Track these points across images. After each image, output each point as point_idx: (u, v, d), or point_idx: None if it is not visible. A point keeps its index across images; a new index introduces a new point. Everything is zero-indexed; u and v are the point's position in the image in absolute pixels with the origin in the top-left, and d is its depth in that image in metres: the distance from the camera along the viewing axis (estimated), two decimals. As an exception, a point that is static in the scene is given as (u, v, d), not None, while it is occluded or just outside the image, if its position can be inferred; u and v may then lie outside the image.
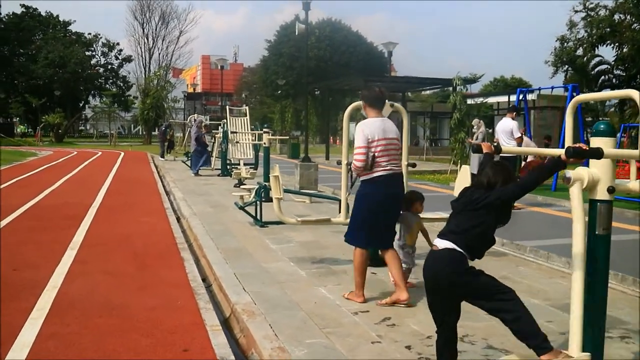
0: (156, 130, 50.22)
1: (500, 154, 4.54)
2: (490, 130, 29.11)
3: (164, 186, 16.89)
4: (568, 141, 4.20)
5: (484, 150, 4.25)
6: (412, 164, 7.46)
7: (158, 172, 21.86)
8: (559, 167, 3.49)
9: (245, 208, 10.23)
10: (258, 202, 10.15)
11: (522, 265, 7.50)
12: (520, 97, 19.15)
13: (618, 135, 16.63)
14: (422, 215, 7.76)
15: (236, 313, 5.40)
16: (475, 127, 17.70)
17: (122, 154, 35.67)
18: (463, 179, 7.22)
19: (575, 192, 3.50)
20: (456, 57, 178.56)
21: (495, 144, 4.63)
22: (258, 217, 10.03)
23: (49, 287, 5.98)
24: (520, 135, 12.91)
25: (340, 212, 9.63)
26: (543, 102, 35.16)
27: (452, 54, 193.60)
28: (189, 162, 22.93)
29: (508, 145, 12.59)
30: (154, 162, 27.80)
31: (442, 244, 3.64)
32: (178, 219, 11.13)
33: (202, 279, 6.80)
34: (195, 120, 22.46)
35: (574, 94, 17.20)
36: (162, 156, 29.86)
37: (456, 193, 7.25)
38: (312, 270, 6.91)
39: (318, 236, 8.99)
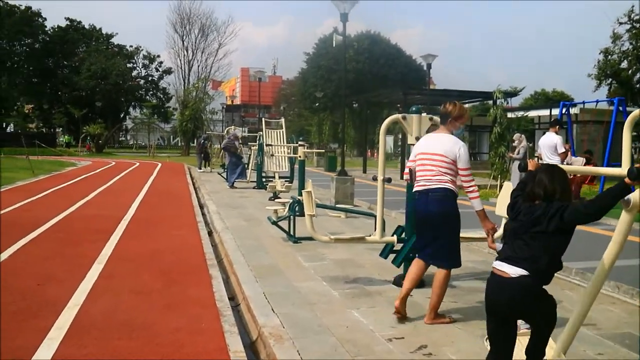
0: (194, 141, 50.50)
1: None
2: (532, 145, 28.48)
3: (198, 198, 16.74)
4: (626, 159, 3.82)
5: (530, 168, 3.90)
6: (388, 178, 7.15)
7: (194, 184, 21.78)
8: (625, 192, 3.15)
9: (279, 223, 9.95)
10: (292, 217, 9.87)
11: (568, 289, 7.06)
12: (564, 110, 18.62)
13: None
14: (462, 234, 7.41)
15: (263, 337, 5.11)
16: (516, 141, 17.22)
17: (160, 165, 35.84)
18: (506, 195, 6.84)
19: (627, 218, 3.20)
20: (496, 70, 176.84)
21: (539, 160, 4.30)
22: (291, 232, 9.75)
23: (70, 305, 5.75)
24: (564, 150, 12.41)
25: (375, 229, 9.37)
26: (586, 117, 34.26)
27: (492, 66, 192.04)
28: (224, 174, 22.85)
29: (551, 161, 12.10)
30: (190, 173, 27.78)
31: (513, 270, 3.39)
32: (210, 233, 10.91)
33: (230, 298, 6.53)
34: (231, 132, 22.37)
35: (620, 108, 16.64)
36: (200, 168, 29.90)
37: (498, 210, 6.90)
38: (345, 291, 6.59)
39: (353, 254, 8.66)
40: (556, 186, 3.41)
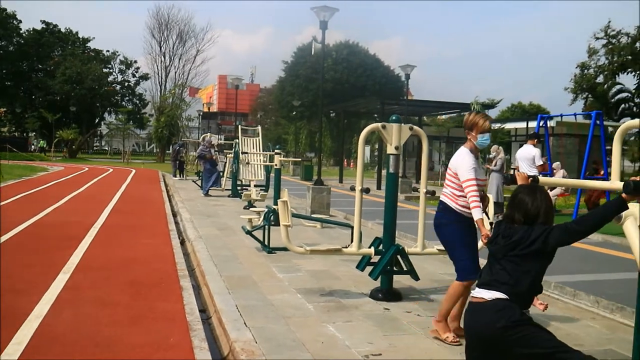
0: (170, 148, 49.86)
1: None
2: (508, 157, 28.55)
3: (171, 206, 16.43)
4: (615, 172, 3.68)
5: (519, 182, 3.73)
6: (366, 189, 6.94)
7: (167, 191, 21.43)
8: (622, 207, 2.98)
9: (253, 233, 9.73)
10: (266, 226, 9.65)
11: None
12: (541, 123, 18.61)
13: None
14: (438, 247, 7.25)
15: (234, 352, 4.88)
16: (493, 153, 17.16)
17: (134, 171, 35.36)
18: (489, 208, 6.71)
19: (630, 228, 3.04)
20: (473, 83, 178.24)
21: (530, 174, 4.12)
22: (266, 242, 9.52)
23: (32, 317, 5.46)
24: (542, 163, 12.36)
25: (352, 241, 9.19)
26: (562, 130, 34.53)
27: (469, 79, 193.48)
28: (199, 182, 22.54)
29: (529, 174, 12.03)
30: (164, 180, 27.40)
31: (488, 294, 3.17)
32: (182, 242, 10.65)
33: (202, 310, 6.29)
34: (206, 139, 22.07)
35: (597, 122, 16.64)
36: (175, 175, 29.51)
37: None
38: (320, 304, 6.38)
39: (329, 265, 8.47)
40: (539, 209, 3.24)
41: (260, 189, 16.68)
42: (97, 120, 79.73)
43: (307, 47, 63.04)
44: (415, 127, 6.89)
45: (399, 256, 6.76)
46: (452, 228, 5.31)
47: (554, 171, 17.56)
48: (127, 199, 17.52)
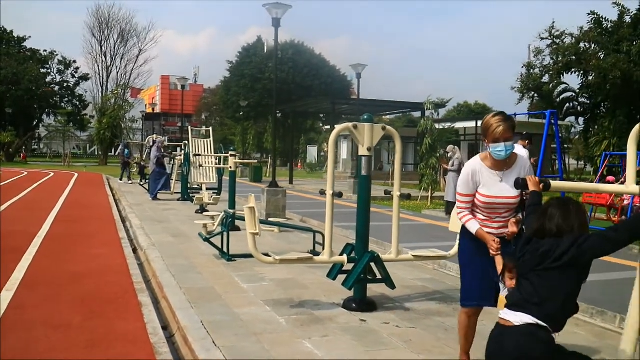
0: (112, 151, 48.50)
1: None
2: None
3: (119, 212, 15.69)
4: (630, 176, 3.36)
5: (531, 188, 3.35)
6: (338, 193, 6.52)
7: (114, 196, 20.60)
8: None
9: (211, 239, 9.20)
10: (225, 232, 9.13)
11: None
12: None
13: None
14: (413, 253, 6.90)
15: (206, 377, 4.40)
16: (450, 152, 17.02)
17: (76, 175, 34.15)
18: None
19: None
20: (418, 82, 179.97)
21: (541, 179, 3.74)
22: (225, 249, 9.00)
23: (-28, 344, 4.87)
24: (531, 164, 12.08)
25: (324, 249, 8.76)
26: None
27: (414, 78, 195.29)
28: (146, 185, 21.76)
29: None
30: (109, 184, 26.46)
31: (517, 318, 2.79)
32: (134, 250, 10.03)
33: (163, 327, 5.77)
34: (154, 140, 21.27)
35: (552, 121, 16.66)
36: (121, 179, 28.28)
37: (452, 227, 6.39)
38: (292, 317, 5.94)
39: (294, 273, 8.01)
40: (573, 225, 2.86)
41: (213, 192, 16.10)
42: (35, 123, 77.00)
43: (252, 47, 62.39)
44: (388, 127, 6.51)
45: (372, 264, 6.38)
46: (461, 245, 4.79)
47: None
48: (71, 205, 16.68)
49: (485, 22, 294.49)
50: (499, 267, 4.33)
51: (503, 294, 4.24)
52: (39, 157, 74.25)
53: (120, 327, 5.47)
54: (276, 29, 14.61)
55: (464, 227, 4.61)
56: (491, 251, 4.38)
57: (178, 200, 18.34)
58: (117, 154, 32.81)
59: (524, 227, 3.79)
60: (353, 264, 6.33)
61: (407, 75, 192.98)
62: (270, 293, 6.93)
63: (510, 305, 2.92)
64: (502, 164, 4.37)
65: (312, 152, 60.80)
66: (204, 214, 13.34)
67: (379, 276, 6.50)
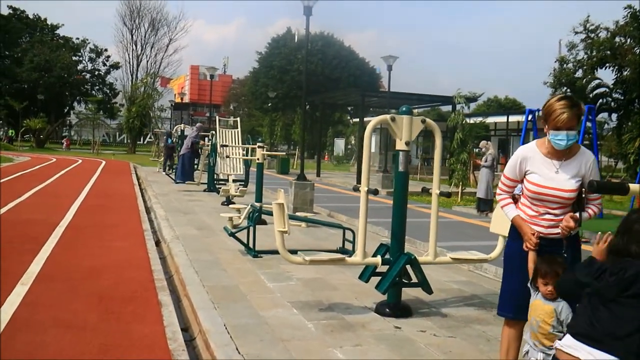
0: (141, 139, 48.12)
1: None
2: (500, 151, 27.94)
3: (144, 201, 15.43)
4: None
5: (593, 253, 2.91)
6: (374, 190, 6.07)
7: (140, 185, 20.39)
8: None
9: (236, 234, 8.83)
10: (251, 227, 8.74)
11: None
12: (529, 117, 17.97)
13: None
14: (452, 255, 6.45)
15: (228, 390, 4.01)
16: (483, 148, 16.48)
17: (104, 163, 34.13)
18: (503, 214, 5.91)
19: None
20: (444, 76, 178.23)
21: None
22: (250, 245, 8.62)
23: (-21, 344, 4.53)
24: None
25: (353, 247, 8.36)
26: (541, 124, 34.09)
27: (440, 72, 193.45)
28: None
29: None
30: (136, 173, 26.30)
31: (591, 355, 2.33)
32: (157, 243, 9.71)
33: (183, 329, 5.40)
34: (197, 125, 21.02)
35: (590, 116, 16.06)
36: (164, 169, 25.70)
37: (493, 227, 5.92)
38: (321, 322, 5.53)
39: (322, 272, 7.59)
40: None
41: (239, 184, 15.75)
42: (66, 110, 77.54)
43: (281, 38, 62.02)
44: (428, 120, 6.05)
45: (408, 266, 5.95)
46: (509, 247, 4.25)
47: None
48: (96, 194, 16.46)
49: (515, 16, 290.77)
50: (531, 266, 3.90)
51: (534, 299, 3.82)
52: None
53: (137, 330, 5.10)
54: (307, 17, 14.24)
55: (513, 228, 4.13)
56: (527, 244, 3.92)
57: (204, 191, 18.05)
58: (161, 144, 31.75)
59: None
60: (387, 266, 5.91)
61: (433, 69, 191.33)
62: (297, 294, 6.53)
63: (579, 335, 2.44)
64: (561, 153, 3.89)
65: (340, 144, 60.36)
66: (230, 206, 13.00)
67: (414, 279, 6.08)
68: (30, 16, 77.15)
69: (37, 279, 6.66)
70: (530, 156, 3.99)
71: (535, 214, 3.98)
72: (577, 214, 3.88)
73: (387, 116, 5.82)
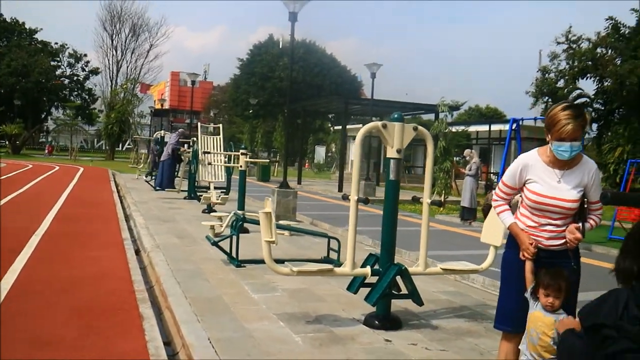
0: (120, 145, 47.18)
1: None
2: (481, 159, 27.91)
3: (123, 209, 15.12)
4: None
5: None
6: (364, 199, 5.91)
7: (118, 192, 20.05)
8: None
9: (219, 243, 8.60)
10: (234, 236, 8.52)
11: None
12: (513, 126, 17.93)
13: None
14: (442, 265, 6.29)
15: (214, 410, 3.80)
16: (467, 157, 16.40)
17: (82, 169, 33.65)
18: (493, 219, 5.79)
19: None
20: (426, 85, 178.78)
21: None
22: (233, 254, 8.40)
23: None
24: None
25: (338, 256, 8.19)
26: (524, 133, 34.21)
27: (423, 80, 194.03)
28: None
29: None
30: (115, 180, 25.92)
31: None
32: (137, 252, 9.45)
33: (166, 342, 5.18)
34: (179, 130, 20.70)
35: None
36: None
37: (484, 238, 5.80)
38: (309, 335, 5.33)
39: (308, 282, 7.39)
40: None
41: (221, 192, 15.51)
42: (43, 115, 76.58)
43: (263, 45, 61.86)
44: (420, 128, 5.91)
45: (398, 277, 5.78)
46: (506, 257, 4.08)
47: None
48: (74, 201, 16.12)
49: (495, 26, 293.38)
50: (527, 275, 3.77)
51: (534, 310, 3.68)
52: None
53: (118, 346, 4.85)
54: (293, 23, 14.05)
55: (510, 236, 3.99)
56: (524, 254, 3.78)
57: (184, 198, 17.76)
58: (140, 151, 30.85)
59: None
60: (377, 277, 5.74)
61: (414, 77, 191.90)
62: (283, 305, 6.33)
63: None
64: (563, 163, 3.77)
65: (320, 152, 60.25)
66: (212, 214, 12.77)
67: (403, 290, 5.91)
68: (8, 20, 76.13)
69: (12, 292, 6.35)
70: (531, 164, 3.86)
71: (535, 224, 3.85)
72: (580, 225, 3.76)
73: (379, 123, 5.67)
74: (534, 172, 3.83)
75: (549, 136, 3.74)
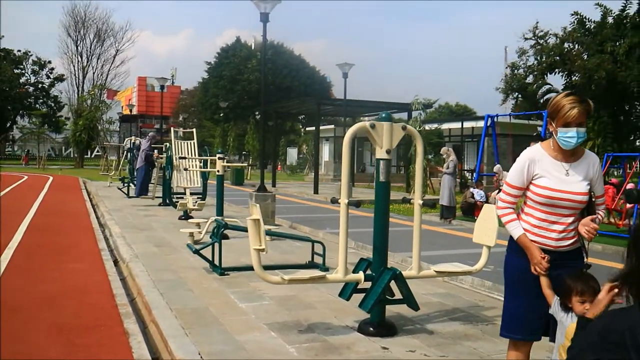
0: (89, 153, 46.27)
1: None
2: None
3: (97, 218, 14.75)
4: None
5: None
6: (355, 202, 5.70)
7: (91, 201, 19.61)
8: None
9: (200, 251, 8.34)
10: (216, 243, 8.27)
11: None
12: (488, 123, 17.95)
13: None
14: (436, 268, 6.13)
15: None
16: (444, 155, 16.33)
17: (51, 178, 32.97)
18: (486, 219, 5.66)
19: None
20: (396, 83, 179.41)
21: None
22: (216, 262, 8.16)
23: None
24: None
25: (323, 261, 8.06)
26: (498, 130, 34.38)
27: (391, 79, 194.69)
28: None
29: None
30: (86, 188, 25.41)
31: None
32: (116, 262, 9.15)
33: (155, 358, 4.94)
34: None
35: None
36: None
37: (476, 238, 5.65)
38: (303, 345, 5.14)
39: (296, 289, 7.17)
40: None
41: (197, 197, 15.21)
42: (8, 124, 75.10)
43: (230, 48, 61.55)
44: (409, 127, 5.76)
45: (393, 282, 5.60)
46: (508, 261, 3.89)
47: (496, 174, 16.84)
48: (46, 211, 15.68)
49: (461, 24, 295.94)
50: (546, 290, 3.60)
51: (569, 322, 3.48)
52: (12, 159, 72.08)
53: (104, 365, 4.62)
54: (264, 24, 13.82)
55: (512, 239, 3.80)
56: (536, 268, 3.60)
57: (159, 205, 17.41)
58: (110, 157, 30.27)
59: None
60: (370, 283, 5.56)
61: (383, 77, 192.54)
62: (273, 314, 6.12)
63: None
64: (569, 155, 3.64)
65: (292, 154, 60.04)
66: (189, 220, 12.49)
67: (396, 294, 5.74)
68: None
69: (-13, 310, 6.08)
70: (538, 159, 3.68)
71: (543, 224, 3.67)
72: (596, 216, 3.62)
73: (367, 123, 5.50)
74: (542, 166, 3.66)
75: (553, 125, 3.60)
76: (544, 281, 3.60)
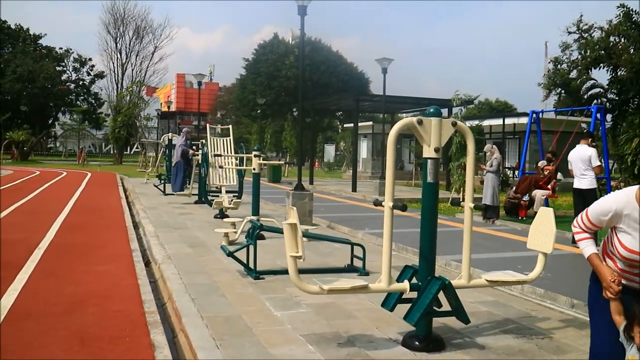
0: (128, 149, 46.33)
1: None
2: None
3: (132, 216, 14.52)
4: None
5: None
6: (402, 205, 5.14)
7: (127, 198, 19.46)
8: None
9: (235, 253, 7.97)
10: (251, 246, 7.88)
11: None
12: (533, 119, 17.26)
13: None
14: (487, 277, 5.63)
15: None
16: (488, 152, 15.70)
17: (89, 175, 33.11)
18: (541, 223, 5.17)
19: None
20: (432, 81, 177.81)
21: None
22: (251, 265, 7.77)
23: None
24: (600, 164, 10.93)
25: (364, 265, 7.63)
26: (543, 126, 33.48)
27: (429, 76, 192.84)
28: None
29: (585, 177, 10.63)
30: (123, 185, 25.36)
31: None
32: (147, 264, 8.84)
33: (182, 373, 4.56)
34: (184, 130, 20.07)
35: (598, 115, 15.36)
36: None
37: (531, 243, 5.14)
38: (343, 362, 4.70)
39: (335, 296, 6.69)
40: None
41: (233, 196, 14.89)
42: (50, 121, 76.24)
43: (268, 45, 61.18)
44: (459, 123, 5.27)
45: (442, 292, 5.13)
46: (589, 290, 3.52)
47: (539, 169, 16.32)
48: (81, 209, 15.52)
49: (500, 20, 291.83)
50: (615, 317, 3.15)
51: (630, 354, 3.06)
52: (54, 155, 73.06)
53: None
54: (302, 17, 13.44)
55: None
56: (607, 293, 3.17)
57: (195, 203, 17.18)
58: (149, 154, 30.27)
59: None
60: (416, 293, 5.09)
61: (420, 73, 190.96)
62: (310, 324, 5.69)
63: None
64: None
65: (330, 151, 59.61)
66: (224, 219, 12.16)
67: (444, 304, 5.26)
68: (12, 26, 75.74)
69: (10, 315, 5.74)
70: (626, 213, 3.24)
71: (625, 275, 3.31)
72: None
73: (414, 119, 5.03)
74: (628, 222, 3.25)
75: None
76: (614, 306, 3.20)
